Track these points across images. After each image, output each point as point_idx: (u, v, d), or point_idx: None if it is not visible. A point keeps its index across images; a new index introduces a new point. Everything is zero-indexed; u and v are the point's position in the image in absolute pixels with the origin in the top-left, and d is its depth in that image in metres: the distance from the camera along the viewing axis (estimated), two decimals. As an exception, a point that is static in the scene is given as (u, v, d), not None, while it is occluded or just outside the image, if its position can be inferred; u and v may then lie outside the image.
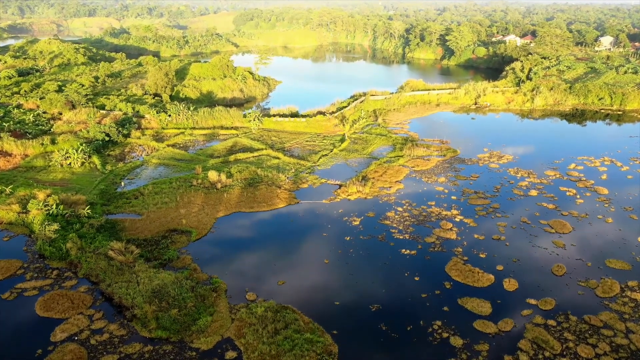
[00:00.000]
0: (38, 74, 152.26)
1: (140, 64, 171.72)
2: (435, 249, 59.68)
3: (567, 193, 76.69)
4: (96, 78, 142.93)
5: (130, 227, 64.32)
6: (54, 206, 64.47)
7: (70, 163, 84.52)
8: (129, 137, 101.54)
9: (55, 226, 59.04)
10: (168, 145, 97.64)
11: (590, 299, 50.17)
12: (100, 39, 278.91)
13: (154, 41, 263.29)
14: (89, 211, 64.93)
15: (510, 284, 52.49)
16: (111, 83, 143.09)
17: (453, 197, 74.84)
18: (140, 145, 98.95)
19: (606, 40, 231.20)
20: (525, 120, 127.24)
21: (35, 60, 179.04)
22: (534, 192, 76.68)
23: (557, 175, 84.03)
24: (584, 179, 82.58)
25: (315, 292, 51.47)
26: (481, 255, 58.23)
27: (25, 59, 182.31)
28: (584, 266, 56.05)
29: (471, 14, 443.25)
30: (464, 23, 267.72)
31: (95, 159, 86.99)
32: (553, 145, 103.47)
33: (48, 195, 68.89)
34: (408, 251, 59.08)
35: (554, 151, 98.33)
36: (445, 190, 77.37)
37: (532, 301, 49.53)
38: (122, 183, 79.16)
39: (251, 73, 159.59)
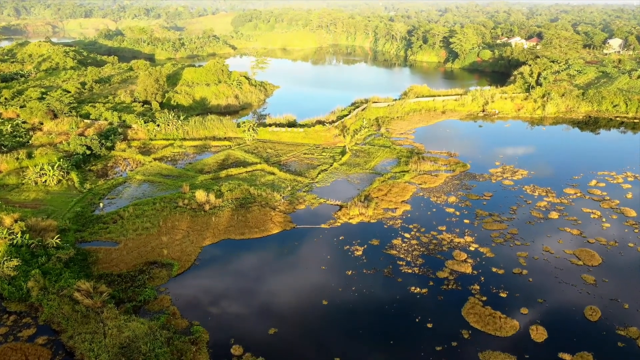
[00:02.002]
0: (23, 79, 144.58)
1: (131, 69, 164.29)
2: (449, 287, 52.46)
3: (592, 215, 69.47)
4: (83, 84, 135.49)
5: (105, 259, 57.09)
6: (19, 235, 57.26)
7: (45, 181, 77.24)
8: (114, 149, 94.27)
9: (15, 262, 51.75)
10: (155, 159, 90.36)
11: (634, 353, 42.97)
12: (94, 41, 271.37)
13: (148, 43, 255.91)
14: (57, 241, 57.67)
15: (538, 333, 45.25)
16: (99, 89, 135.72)
17: (466, 221, 67.59)
18: (125, 158, 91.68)
19: (615, 43, 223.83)
20: (537, 128, 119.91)
21: (22, 64, 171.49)
22: (554, 215, 69.41)
23: (578, 194, 76.79)
24: (608, 198, 75.34)
25: (312, 344, 44.27)
26: (502, 295, 51.01)
27: (12, 62, 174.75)
28: (620, 309, 48.83)
29: (473, 15, 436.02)
30: (467, 25, 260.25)
31: (74, 176, 79.68)
32: (569, 158, 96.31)
33: (16, 220, 61.67)
34: (418, 289, 51.85)
35: (572, 165, 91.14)
36: (456, 213, 70.10)
37: (566, 356, 42.30)
38: (101, 204, 71.88)
39: (247, 78, 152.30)
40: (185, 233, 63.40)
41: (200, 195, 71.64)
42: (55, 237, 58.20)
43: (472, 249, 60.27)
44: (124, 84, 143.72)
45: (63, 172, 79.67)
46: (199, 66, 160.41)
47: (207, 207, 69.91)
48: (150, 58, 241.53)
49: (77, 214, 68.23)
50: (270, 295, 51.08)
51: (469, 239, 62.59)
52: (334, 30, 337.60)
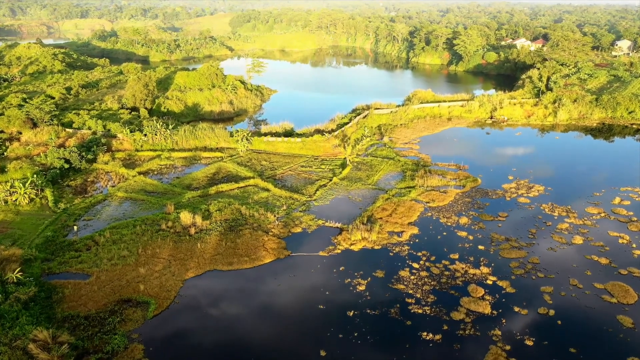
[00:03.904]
0: (6, 83, 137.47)
1: (121, 72, 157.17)
2: (467, 332, 45.43)
3: (620, 240, 62.48)
4: (68, 89, 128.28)
5: (72, 296, 50.06)
6: (-24, 268, 50.34)
7: (16, 199, 70.19)
8: (96, 162, 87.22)
9: (-37, 305, 44.82)
10: (139, 173, 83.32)
11: (690, 422, 36.00)
12: (88, 43, 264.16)
13: (143, 45, 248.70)
14: (19, 275, 50.69)
15: (574, 395, 38.32)
16: (85, 95, 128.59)
17: (480, 247, 60.62)
18: (107, 172, 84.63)
19: (624, 45, 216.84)
20: (549, 136, 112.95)
21: (9, 67, 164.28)
22: (578, 240, 62.39)
23: (602, 214, 69.77)
24: (635, 219, 68.33)
25: (307, 410, 37.32)
26: (527, 342, 44.00)
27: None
28: (667, 361, 41.85)
29: (475, 15, 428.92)
30: (471, 26, 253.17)
31: (48, 194, 72.65)
32: (587, 171, 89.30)
33: (-24, 249, 54.77)
34: (431, 335, 44.83)
35: (591, 179, 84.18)
36: (469, 237, 63.12)
37: None
38: (75, 227, 64.85)
39: (243, 82, 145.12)
40: (167, 263, 56.40)
41: (186, 217, 64.71)
42: (17, 271, 51.17)
43: (489, 282, 53.31)
44: (112, 89, 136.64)
45: (37, 189, 72.69)
46: (193, 69, 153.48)
47: (192, 230, 62.98)
48: (145, 60, 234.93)
49: (47, 239, 61.16)
50: (259, 343, 44.06)
51: (485, 270, 55.60)
52: (333, 31, 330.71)
